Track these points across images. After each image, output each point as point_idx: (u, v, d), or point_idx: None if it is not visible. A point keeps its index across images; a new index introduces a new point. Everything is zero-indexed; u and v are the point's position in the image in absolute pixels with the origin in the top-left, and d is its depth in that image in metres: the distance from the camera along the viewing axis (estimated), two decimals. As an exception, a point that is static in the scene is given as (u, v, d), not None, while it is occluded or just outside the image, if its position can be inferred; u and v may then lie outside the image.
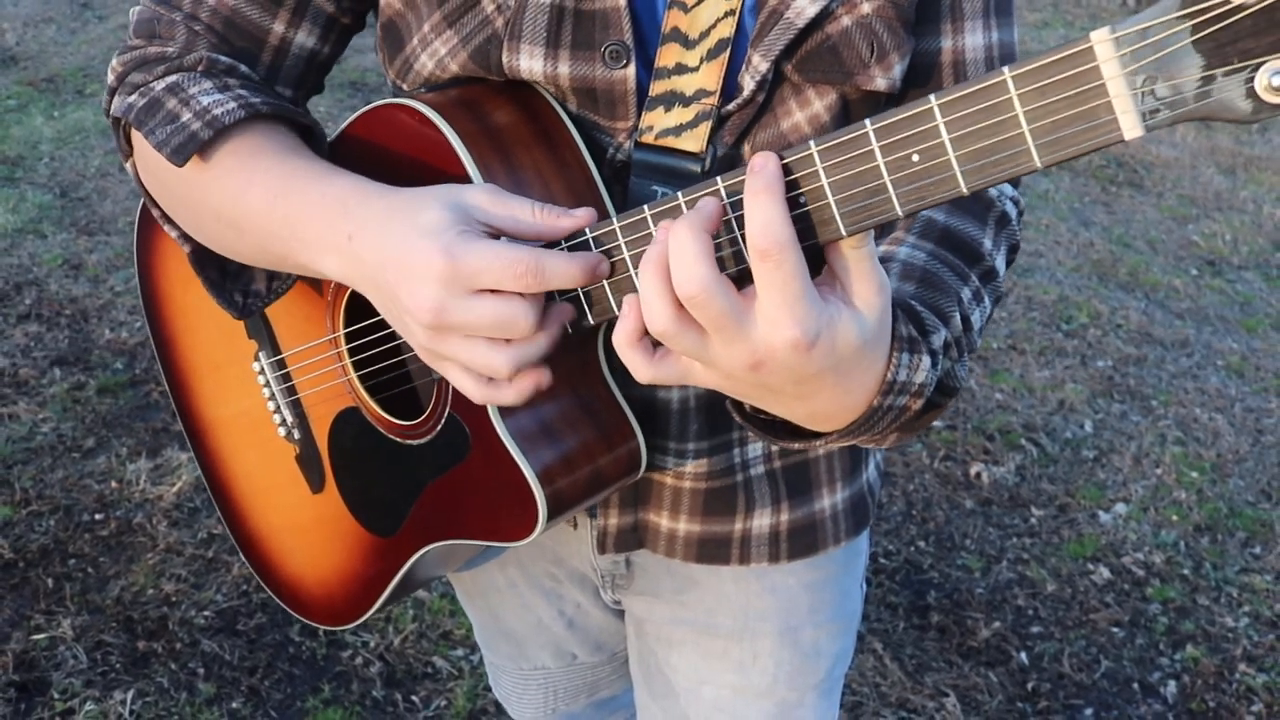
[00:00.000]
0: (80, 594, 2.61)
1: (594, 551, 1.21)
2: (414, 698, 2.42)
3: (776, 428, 0.88)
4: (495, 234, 0.86)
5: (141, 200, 1.25)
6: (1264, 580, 2.96)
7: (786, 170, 0.74)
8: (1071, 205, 5.17)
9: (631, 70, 0.95)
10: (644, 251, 0.79)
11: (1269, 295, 4.58)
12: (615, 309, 0.85)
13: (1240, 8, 0.59)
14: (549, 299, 0.87)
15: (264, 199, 0.94)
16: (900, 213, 0.72)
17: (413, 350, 1.06)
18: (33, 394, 3.29)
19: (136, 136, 1.02)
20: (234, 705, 2.36)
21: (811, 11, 0.92)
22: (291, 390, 1.20)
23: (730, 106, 0.95)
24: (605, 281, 0.85)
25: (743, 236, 0.76)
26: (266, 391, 1.23)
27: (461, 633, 2.58)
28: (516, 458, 0.99)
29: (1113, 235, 4.94)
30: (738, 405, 0.88)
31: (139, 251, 1.31)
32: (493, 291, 0.83)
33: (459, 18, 0.97)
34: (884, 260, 0.96)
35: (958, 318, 0.90)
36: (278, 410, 1.23)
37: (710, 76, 0.94)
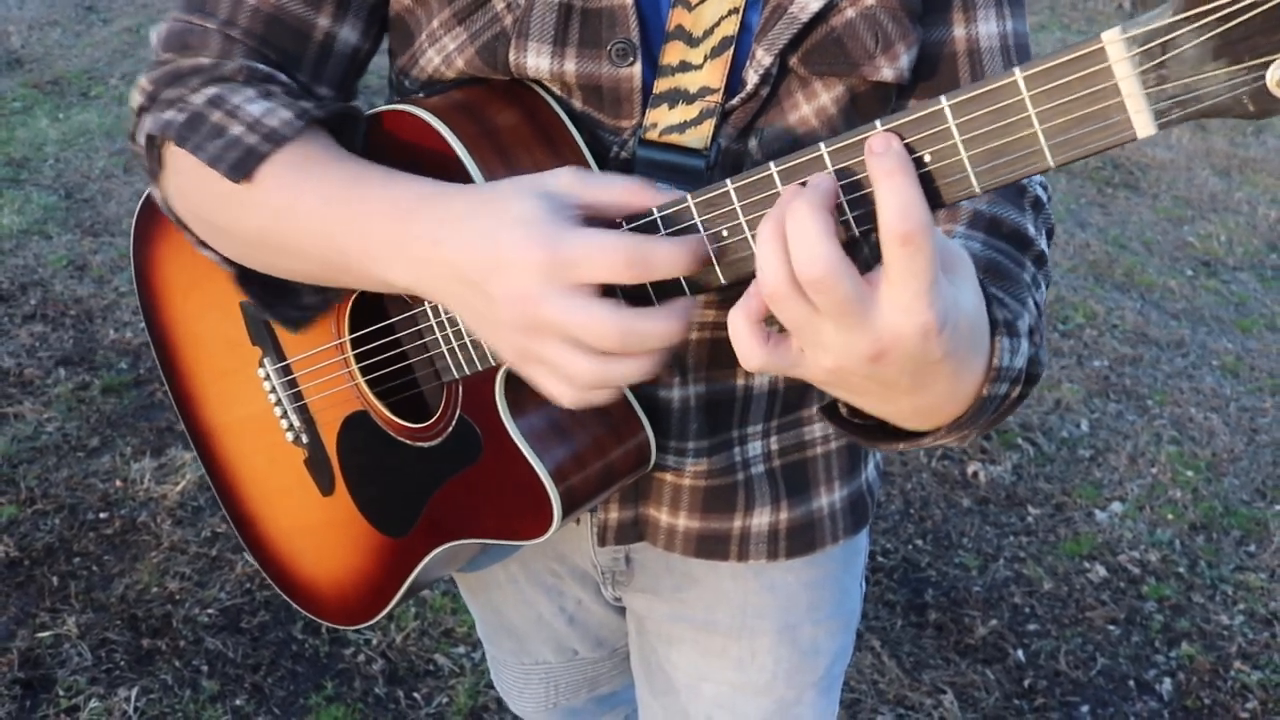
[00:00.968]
0: (85, 592, 2.61)
1: (594, 547, 1.21)
2: (416, 695, 2.42)
3: (871, 430, 0.84)
4: (590, 215, 0.80)
5: (136, 211, 1.24)
6: (1259, 578, 2.97)
7: (797, 173, 0.72)
8: (1068, 207, 5.18)
9: (638, 68, 0.95)
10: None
11: (1264, 296, 4.57)
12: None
13: (1251, 5, 0.59)
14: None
15: (322, 207, 0.89)
16: None
17: (420, 356, 1.06)
18: (38, 394, 3.29)
19: (174, 155, 0.97)
20: (237, 702, 2.36)
21: (816, 5, 0.92)
22: (298, 395, 1.20)
23: (734, 101, 0.95)
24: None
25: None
26: (273, 397, 1.22)
27: (463, 630, 2.58)
28: (529, 457, 0.99)
29: (1109, 236, 4.94)
30: (831, 410, 0.84)
31: (136, 260, 1.28)
32: (595, 290, 0.77)
33: (469, 14, 0.97)
34: None
35: (1031, 302, 0.89)
36: (284, 415, 1.22)
37: (714, 73, 0.94)
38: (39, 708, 2.30)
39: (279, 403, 1.22)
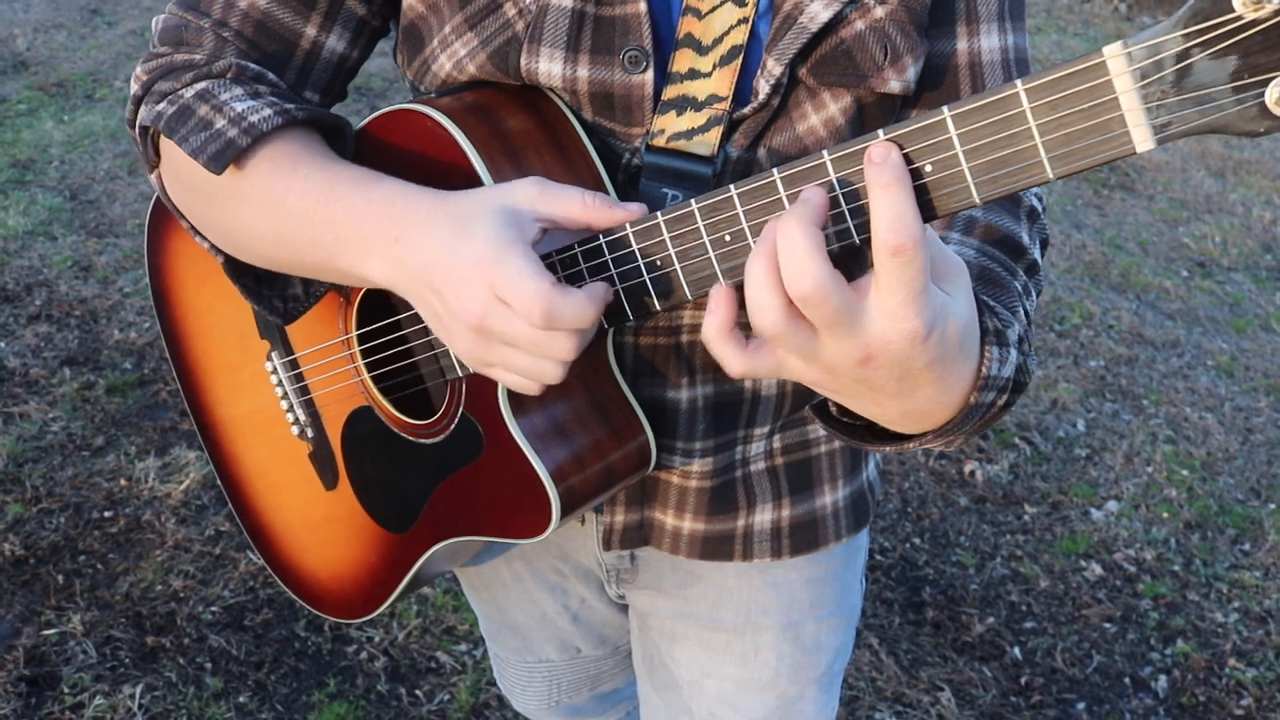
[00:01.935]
0: (90, 590, 2.61)
1: (599, 547, 1.22)
2: (418, 692, 2.43)
3: (860, 431, 0.86)
4: (550, 226, 0.86)
5: (151, 203, 1.25)
6: (1253, 576, 2.97)
7: (800, 179, 0.73)
8: (1064, 208, 5.18)
9: (650, 75, 0.95)
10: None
11: (1258, 296, 4.56)
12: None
13: (1252, 24, 0.60)
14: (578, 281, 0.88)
15: (304, 205, 0.92)
16: None
17: (426, 353, 1.07)
18: (43, 393, 3.29)
19: (166, 146, 1.01)
20: (241, 699, 2.36)
21: (825, 16, 0.93)
22: (304, 390, 1.21)
23: (745, 110, 0.96)
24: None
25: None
26: (279, 391, 1.23)
27: (465, 628, 2.59)
28: (530, 456, 0.99)
29: (1105, 237, 4.93)
30: (822, 409, 0.87)
31: (150, 254, 1.30)
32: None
33: (480, 20, 0.97)
34: None
35: (1022, 311, 0.90)
36: (291, 409, 1.23)
37: (723, 82, 0.95)
38: (44, 705, 2.30)
39: (285, 396, 1.23)
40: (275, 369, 1.23)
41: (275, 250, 0.98)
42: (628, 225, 0.84)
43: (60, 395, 3.29)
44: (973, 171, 0.68)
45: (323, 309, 1.14)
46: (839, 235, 0.74)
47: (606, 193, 0.97)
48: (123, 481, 2.96)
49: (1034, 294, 0.98)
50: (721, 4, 0.94)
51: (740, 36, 0.94)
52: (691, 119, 0.96)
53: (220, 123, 0.94)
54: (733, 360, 0.76)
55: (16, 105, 5.34)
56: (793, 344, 0.72)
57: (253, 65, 0.99)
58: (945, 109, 0.68)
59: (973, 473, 3.29)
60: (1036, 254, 1.01)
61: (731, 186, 0.77)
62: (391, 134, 0.98)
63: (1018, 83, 0.66)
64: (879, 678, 2.57)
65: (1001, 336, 0.80)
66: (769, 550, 1.19)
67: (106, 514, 2.85)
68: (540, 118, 0.98)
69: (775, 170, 0.75)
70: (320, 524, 1.27)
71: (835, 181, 0.73)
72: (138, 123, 1.02)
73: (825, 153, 0.72)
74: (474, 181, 0.92)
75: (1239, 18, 0.60)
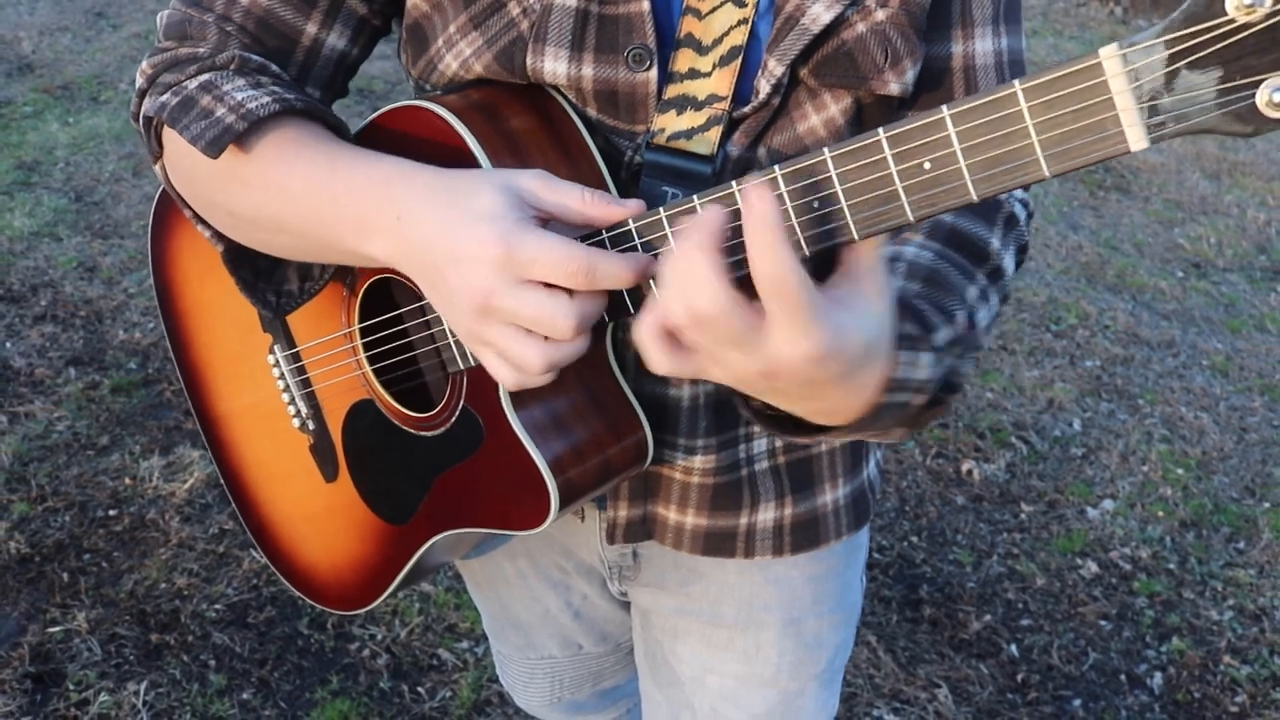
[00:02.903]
0: (94, 588, 2.62)
1: (602, 543, 1.22)
2: (420, 689, 2.43)
3: (783, 422, 0.88)
4: (546, 219, 0.85)
5: (156, 197, 1.26)
6: (1248, 574, 2.98)
7: (800, 175, 0.74)
8: (1060, 209, 5.18)
9: (654, 73, 0.96)
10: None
11: (1253, 297, 4.57)
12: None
13: (1244, 27, 0.61)
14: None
15: (306, 185, 0.93)
16: (912, 219, 0.72)
17: (427, 346, 1.07)
18: (48, 393, 3.30)
19: (169, 136, 1.01)
20: (244, 696, 2.37)
21: (826, 18, 0.93)
22: (306, 383, 1.21)
23: (745, 110, 0.96)
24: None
25: (806, 240, 0.75)
26: (281, 384, 1.23)
27: (466, 625, 2.59)
28: (529, 449, 1.00)
29: (1100, 238, 4.94)
30: (745, 400, 0.88)
31: (154, 247, 1.30)
32: (544, 285, 0.82)
33: (485, 19, 0.98)
34: (891, 259, 0.96)
35: (962, 315, 0.91)
36: (292, 402, 1.23)
37: (723, 82, 0.95)
38: (50, 702, 2.31)
39: (287, 389, 1.23)
40: (277, 361, 1.23)
41: (278, 234, 0.99)
42: (630, 221, 0.84)
43: (65, 395, 3.30)
44: (970, 169, 0.69)
45: (325, 302, 1.14)
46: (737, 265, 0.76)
47: (609, 190, 0.98)
48: (127, 480, 2.97)
49: (992, 299, 0.98)
50: (721, 4, 0.95)
51: (740, 37, 0.95)
52: (691, 118, 0.97)
53: (220, 111, 0.94)
54: (658, 359, 0.77)
55: (22, 107, 5.35)
56: (707, 354, 0.74)
57: (255, 57, 1.00)
58: (945, 108, 0.69)
59: (970, 472, 3.30)
60: (1006, 260, 1.01)
61: (734, 183, 0.78)
62: (397, 129, 0.99)
63: (1015, 83, 0.67)
64: (877, 675, 2.58)
65: (916, 341, 0.81)
66: (770, 548, 1.19)
67: (111, 513, 2.86)
68: (544, 116, 0.99)
69: (777, 167, 0.76)
70: (320, 516, 1.27)
71: (721, 210, 0.74)
72: (142, 114, 1.02)
73: (826, 150, 0.73)
74: None
75: (1231, 20, 0.61)
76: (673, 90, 0.97)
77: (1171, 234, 5.08)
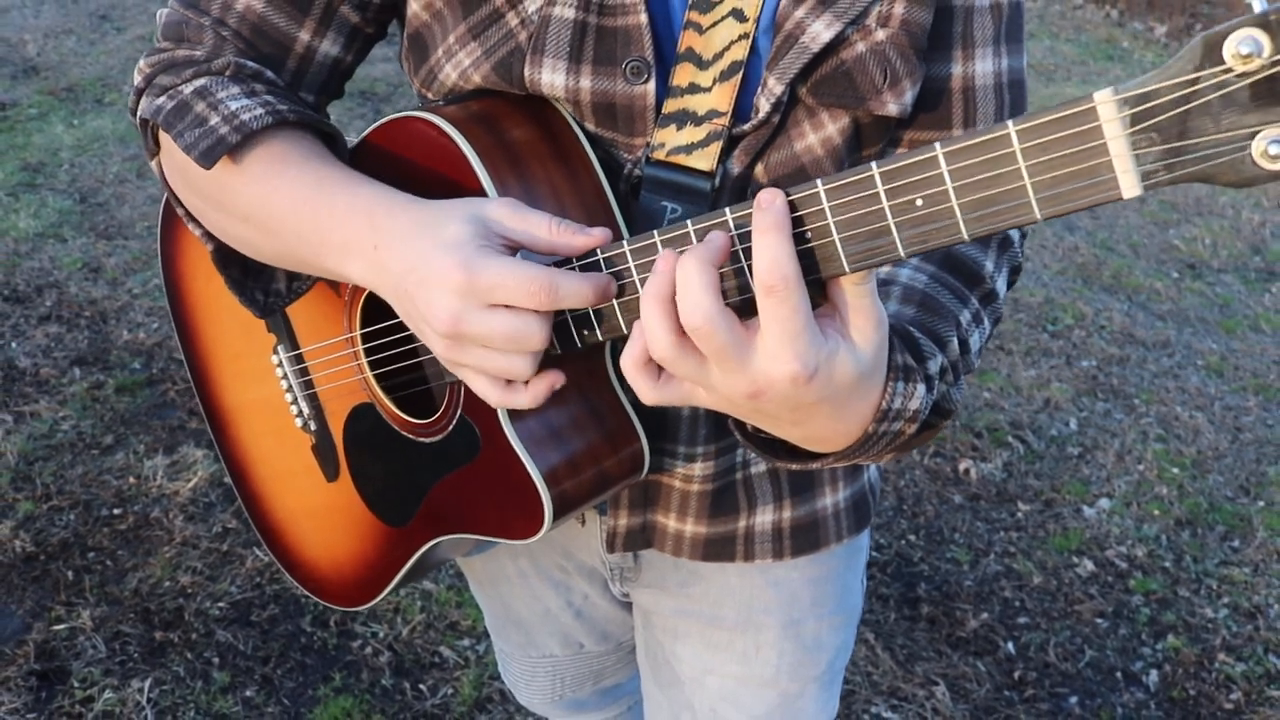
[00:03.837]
0: (99, 586, 2.63)
1: (603, 548, 1.22)
2: (422, 686, 2.44)
3: (776, 447, 0.89)
4: (514, 247, 0.86)
5: (164, 198, 1.25)
6: (1242, 572, 2.98)
7: (793, 206, 0.73)
8: (1057, 209, 5.20)
9: (651, 86, 0.95)
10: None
11: (1247, 297, 4.58)
12: (624, 328, 0.85)
13: (1241, 76, 0.59)
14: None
15: (292, 204, 0.93)
16: (903, 254, 0.71)
17: (428, 354, 1.07)
18: (53, 393, 3.30)
19: (164, 137, 1.02)
20: (248, 693, 2.38)
21: (826, 36, 0.93)
22: (309, 384, 1.21)
23: (745, 127, 0.95)
24: (615, 301, 0.84)
25: (749, 268, 0.75)
26: (284, 384, 1.24)
27: (468, 623, 2.60)
28: (524, 460, 1.00)
29: (1096, 239, 4.94)
30: (739, 425, 0.88)
31: (163, 244, 1.31)
32: (507, 306, 0.83)
33: (483, 30, 0.97)
34: (885, 283, 0.96)
35: (955, 342, 0.90)
36: (295, 402, 1.24)
37: (723, 97, 0.95)
38: (55, 699, 2.32)
39: (290, 390, 1.24)
40: (281, 362, 1.23)
41: (264, 244, 1.00)
42: (598, 251, 0.85)
43: (70, 395, 3.30)
44: (962, 208, 0.69)
45: (328, 306, 1.15)
46: (740, 289, 0.77)
47: (609, 202, 0.98)
48: (132, 479, 2.98)
49: (986, 321, 0.98)
50: (722, 19, 0.94)
51: (740, 52, 0.94)
52: (691, 133, 0.96)
53: (214, 120, 0.95)
54: (645, 390, 0.79)
55: (27, 109, 5.35)
56: (684, 372, 0.76)
57: (251, 63, 1.00)
58: (938, 145, 0.68)
59: (967, 471, 3.31)
60: (999, 283, 1.02)
61: (689, 222, 0.79)
62: (397, 140, 0.99)
63: (1009, 123, 0.66)
64: (875, 672, 2.59)
65: (910, 372, 0.82)
66: (770, 551, 1.19)
67: (115, 511, 2.87)
68: (545, 128, 0.98)
69: (728, 210, 0.76)
70: (321, 514, 1.28)
71: (732, 223, 0.76)
72: (138, 114, 1.03)
73: (819, 182, 0.73)
74: (477, 190, 0.93)
75: (1229, 70, 0.60)
76: (672, 104, 0.96)
77: (1167, 235, 5.09)
